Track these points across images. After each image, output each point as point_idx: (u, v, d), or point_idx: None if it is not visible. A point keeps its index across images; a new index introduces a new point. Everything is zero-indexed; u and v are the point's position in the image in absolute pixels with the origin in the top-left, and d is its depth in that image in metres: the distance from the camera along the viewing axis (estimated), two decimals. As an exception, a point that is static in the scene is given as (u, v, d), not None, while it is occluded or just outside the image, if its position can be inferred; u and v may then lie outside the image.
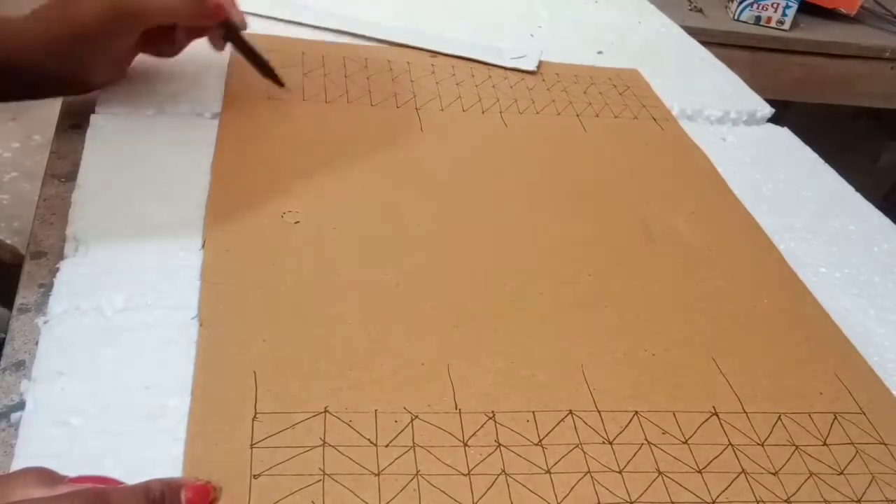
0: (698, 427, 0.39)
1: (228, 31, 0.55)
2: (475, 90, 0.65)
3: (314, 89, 0.61)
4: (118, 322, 0.39)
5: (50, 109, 0.56)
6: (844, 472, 0.39)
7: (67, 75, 0.51)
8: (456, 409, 0.38)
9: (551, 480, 0.35)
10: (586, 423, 0.38)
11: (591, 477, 0.36)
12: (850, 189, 0.65)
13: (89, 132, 0.52)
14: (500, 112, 0.64)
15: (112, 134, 0.52)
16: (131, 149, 0.51)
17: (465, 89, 0.65)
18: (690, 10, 1.41)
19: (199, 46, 0.63)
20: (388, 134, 0.58)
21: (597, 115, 0.66)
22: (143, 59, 0.60)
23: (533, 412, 0.38)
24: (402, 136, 0.58)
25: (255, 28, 0.58)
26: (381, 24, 0.72)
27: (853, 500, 0.37)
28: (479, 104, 0.64)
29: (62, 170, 0.50)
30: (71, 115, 0.54)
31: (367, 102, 0.61)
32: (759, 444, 0.39)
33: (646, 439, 0.38)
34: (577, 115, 0.65)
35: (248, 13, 0.55)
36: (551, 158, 0.60)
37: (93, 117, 0.53)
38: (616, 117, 0.66)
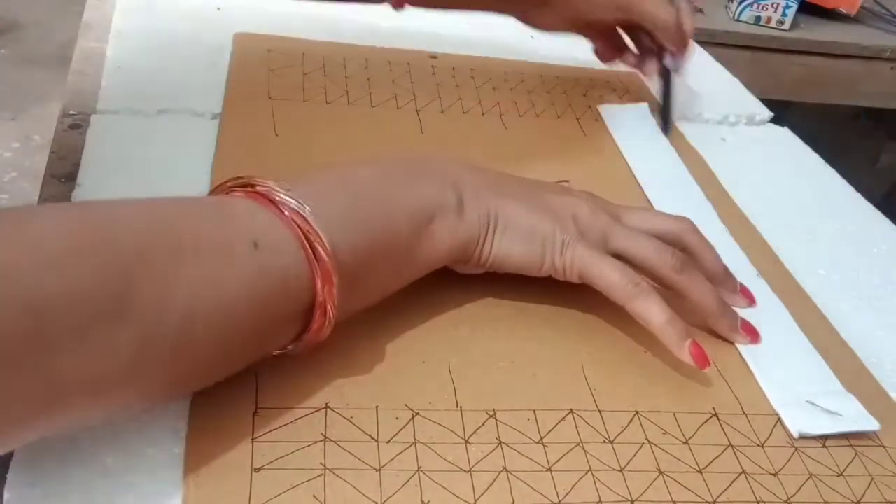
0: (698, 427, 0.40)
1: (666, 69, 0.66)
2: (475, 92, 0.66)
3: (314, 90, 0.61)
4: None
5: (50, 109, 0.56)
6: (843, 473, 0.39)
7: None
8: (457, 406, 0.38)
9: (552, 478, 0.35)
10: (587, 423, 0.38)
11: (593, 475, 0.36)
12: (850, 189, 0.65)
13: (89, 132, 0.52)
14: (500, 115, 0.64)
15: (112, 134, 0.52)
16: (131, 149, 0.51)
17: (466, 91, 0.65)
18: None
19: (199, 46, 0.63)
20: (389, 135, 0.58)
21: (596, 120, 0.66)
22: (143, 59, 0.60)
23: (534, 411, 0.38)
24: (403, 137, 0.58)
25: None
26: (381, 24, 0.72)
27: (852, 502, 0.37)
28: (480, 106, 0.64)
29: (62, 170, 0.50)
30: (71, 115, 0.54)
31: (367, 103, 0.61)
32: (759, 445, 0.39)
33: (646, 439, 0.38)
34: (577, 119, 0.65)
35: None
36: (551, 160, 0.60)
37: (93, 117, 0.53)
38: (616, 118, 0.66)
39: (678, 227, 0.46)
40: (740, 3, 1.37)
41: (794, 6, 1.35)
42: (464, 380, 0.39)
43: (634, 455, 0.37)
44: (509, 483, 0.35)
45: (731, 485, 0.37)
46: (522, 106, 0.65)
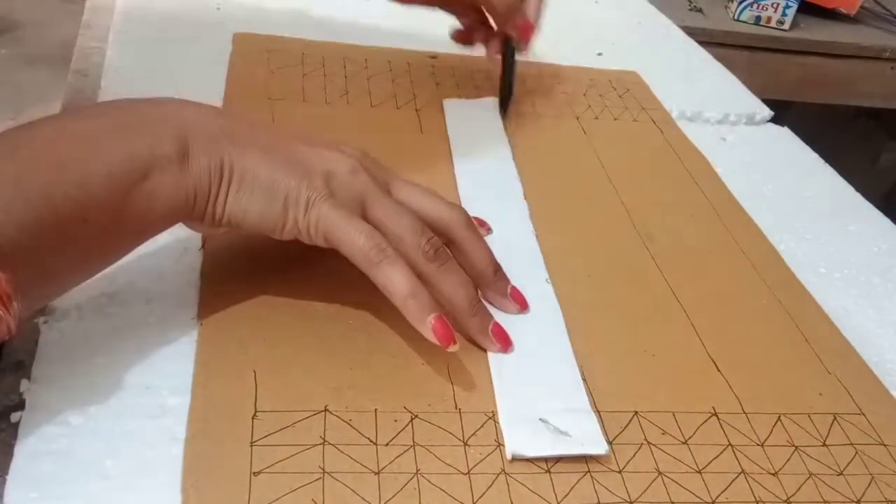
0: (698, 427, 0.39)
1: (509, 45, 0.62)
2: (475, 92, 0.65)
3: (314, 90, 0.61)
4: (118, 322, 0.39)
5: (50, 109, 0.56)
6: (844, 472, 0.39)
7: None
8: (456, 408, 0.38)
9: (551, 480, 0.35)
10: (586, 424, 0.38)
11: (591, 476, 0.36)
12: (850, 189, 0.65)
13: (89, 132, 0.51)
14: (500, 113, 0.64)
15: (112, 134, 0.52)
16: (131, 149, 0.51)
17: (466, 91, 0.65)
18: (690, 10, 1.41)
19: (199, 46, 0.63)
20: (389, 135, 0.58)
21: (596, 118, 0.66)
22: (143, 59, 0.60)
23: (532, 412, 0.38)
24: (403, 137, 0.58)
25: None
26: (381, 24, 0.72)
27: (853, 501, 0.37)
28: (479, 105, 0.64)
29: (62, 170, 0.50)
30: (71, 116, 0.54)
31: (367, 103, 0.61)
32: (758, 445, 0.39)
33: (645, 439, 0.38)
34: (577, 118, 0.65)
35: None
36: (551, 160, 0.60)
37: (93, 117, 0.53)
38: (616, 119, 0.66)
39: (449, 215, 0.42)
40: (740, 3, 1.37)
41: (794, 6, 1.35)
42: (462, 381, 0.39)
43: (633, 455, 0.37)
44: (508, 486, 0.35)
45: (730, 485, 0.37)
46: (522, 105, 0.65)
